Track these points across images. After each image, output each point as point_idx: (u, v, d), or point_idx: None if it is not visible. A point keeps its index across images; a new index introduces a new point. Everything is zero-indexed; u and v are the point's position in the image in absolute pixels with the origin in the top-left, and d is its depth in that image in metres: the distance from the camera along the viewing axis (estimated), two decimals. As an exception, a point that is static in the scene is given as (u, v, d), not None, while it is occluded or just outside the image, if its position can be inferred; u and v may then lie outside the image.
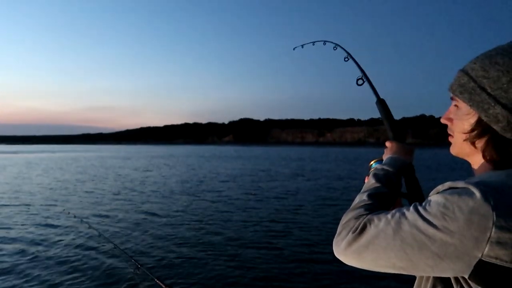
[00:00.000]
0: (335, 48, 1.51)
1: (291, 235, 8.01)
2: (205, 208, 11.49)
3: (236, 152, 76.49)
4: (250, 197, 13.90)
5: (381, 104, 1.20)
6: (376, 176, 0.97)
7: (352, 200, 0.88)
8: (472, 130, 0.78)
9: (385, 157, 1.08)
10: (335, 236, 0.83)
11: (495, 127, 0.74)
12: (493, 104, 0.73)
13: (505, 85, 0.72)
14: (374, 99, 1.23)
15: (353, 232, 0.78)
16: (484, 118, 0.75)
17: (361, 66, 1.33)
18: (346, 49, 1.45)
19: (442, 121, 0.88)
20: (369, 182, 0.97)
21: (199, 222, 9.40)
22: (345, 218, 0.85)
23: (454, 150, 0.87)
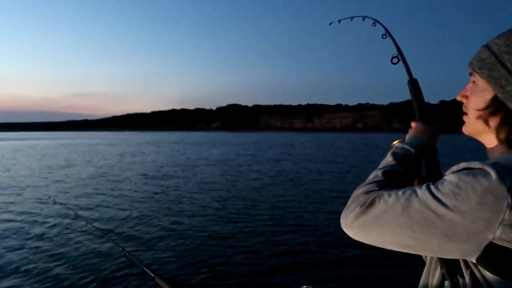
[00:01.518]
0: (374, 24, 1.47)
1: (276, 220, 7.95)
2: (193, 194, 11.38)
3: (224, 138, 76.28)
4: (234, 183, 13.83)
5: (413, 84, 1.17)
6: (394, 154, 0.94)
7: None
8: (486, 107, 0.77)
9: (408, 136, 1.05)
10: (344, 209, 0.82)
11: (510, 105, 0.72)
12: (509, 81, 0.71)
13: None
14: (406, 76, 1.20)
15: (362, 206, 0.77)
16: (500, 95, 0.74)
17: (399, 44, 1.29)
18: (385, 26, 1.41)
19: (458, 98, 0.86)
20: (387, 159, 0.94)
21: (186, 209, 9.30)
22: (356, 192, 0.84)
23: (467, 128, 0.85)
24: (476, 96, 0.79)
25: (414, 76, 1.20)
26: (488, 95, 0.76)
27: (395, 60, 1.27)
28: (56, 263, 5.59)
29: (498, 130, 0.76)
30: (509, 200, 0.60)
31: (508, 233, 0.60)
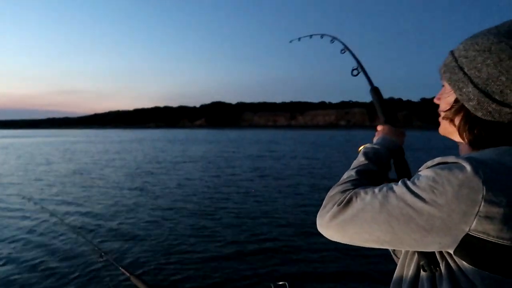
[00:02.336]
0: (332, 41, 1.52)
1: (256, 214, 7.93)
2: (171, 193, 11.26)
3: (207, 136, 75.93)
4: (213, 181, 13.76)
5: (375, 91, 1.24)
6: (365, 154, 0.97)
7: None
8: (450, 108, 0.81)
9: (375, 139, 1.09)
10: (320, 209, 0.82)
11: (467, 105, 0.76)
12: (466, 83, 0.74)
13: (479, 65, 0.73)
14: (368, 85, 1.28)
15: (339, 205, 0.77)
16: (459, 97, 0.77)
17: (357, 57, 1.35)
18: (343, 42, 1.46)
19: (435, 101, 0.89)
20: (358, 159, 0.96)
21: (163, 208, 9.18)
22: (331, 192, 0.84)
23: (440, 129, 0.88)
24: (443, 99, 0.83)
25: (375, 84, 1.26)
26: (451, 97, 0.80)
27: (355, 72, 1.32)
28: (29, 263, 5.42)
29: (460, 129, 0.80)
30: (484, 193, 0.61)
31: (483, 224, 0.62)
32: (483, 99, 0.72)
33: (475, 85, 0.73)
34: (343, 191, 0.81)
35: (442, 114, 0.84)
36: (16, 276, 5.01)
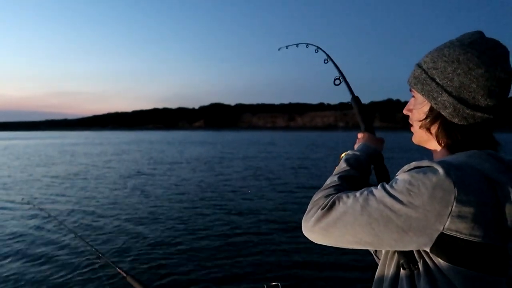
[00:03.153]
0: (316, 51, 1.57)
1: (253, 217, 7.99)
2: (167, 195, 11.30)
3: (206, 137, 75.93)
4: (210, 182, 13.79)
5: (355, 100, 1.29)
6: (347, 160, 1.00)
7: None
8: (426, 118, 0.84)
9: (356, 146, 1.13)
10: (305, 214, 0.85)
11: (443, 113, 0.80)
12: (441, 93, 0.79)
13: (450, 74, 0.77)
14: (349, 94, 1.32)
15: (322, 209, 0.80)
16: (434, 106, 0.81)
17: (339, 67, 1.40)
18: (326, 52, 1.51)
19: (404, 112, 0.94)
20: (340, 166, 1.00)
21: (159, 209, 9.21)
22: (315, 197, 0.88)
23: (415, 138, 0.92)
24: (417, 109, 0.87)
25: (356, 93, 1.31)
26: (425, 107, 0.84)
27: (337, 82, 1.35)
28: (27, 264, 5.43)
29: (438, 136, 0.84)
30: (456, 194, 0.66)
31: (456, 223, 0.66)
32: (458, 106, 0.77)
33: (449, 94, 0.77)
34: (327, 196, 0.84)
35: (417, 123, 0.88)
36: (13, 277, 5.03)
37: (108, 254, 5.74)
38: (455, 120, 0.78)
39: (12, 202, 9.99)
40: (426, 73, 0.82)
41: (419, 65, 0.85)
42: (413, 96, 0.89)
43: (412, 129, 0.92)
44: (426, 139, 0.88)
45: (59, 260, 5.59)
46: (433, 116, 0.82)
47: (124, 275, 2.10)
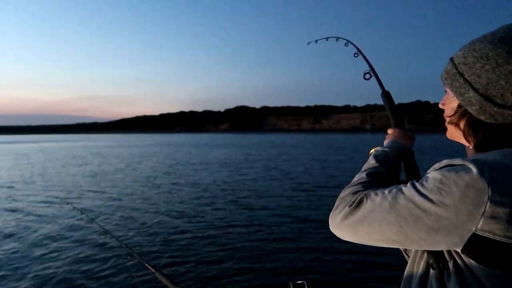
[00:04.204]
0: (346, 45, 1.56)
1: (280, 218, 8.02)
2: (196, 194, 11.47)
3: (231, 140, 76.35)
4: (237, 183, 13.90)
5: (386, 95, 1.26)
6: (376, 157, 1.00)
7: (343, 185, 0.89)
8: (454, 114, 0.83)
9: (386, 142, 1.12)
10: (332, 210, 0.85)
11: (470, 110, 0.78)
12: (467, 89, 0.77)
13: (478, 70, 0.75)
14: (379, 89, 1.30)
15: (350, 206, 0.79)
16: (461, 102, 0.80)
17: (369, 61, 1.38)
18: (356, 45, 1.50)
19: (440, 106, 0.91)
20: (369, 162, 0.99)
21: (189, 207, 9.39)
22: (343, 194, 0.87)
23: (448, 133, 0.90)
24: (447, 104, 0.86)
25: (387, 88, 1.28)
26: (454, 103, 0.83)
27: (367, 76, 1.34)
28: (61, 260, 5.71)
29: (465, 133, 0.82)
30: (490, 193, 0.63)
31: (489, 224, 0.63)
32: (484, 103, 0.75)
33: (476, 90, 0.75)
34: (354, 193, 0.83)
35: (447, 119, 0.87)
36: (45, 273, 5.27)
37: (138, 250, 5.92)
38: (482, 118, 0.77)
39: (47, 201, 10.45)
40: (456, 68, 0.81)
41: (451, 59, 0.84)
42: (446, 91, 0.88)
43: (446, 124, 0.90)
44: (458, 135, 0.86)
45: (90, 257, 5.84)
46: (461, 112, 0.81)
47: (153, 270, 2.14)
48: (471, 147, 0.83)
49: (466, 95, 0.78)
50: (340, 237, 0.82)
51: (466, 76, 0.77)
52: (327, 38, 1.71)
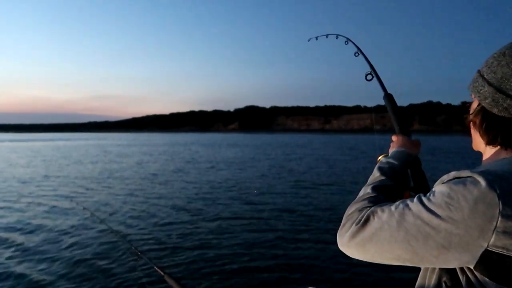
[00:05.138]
0: (346, 43, 1.54)
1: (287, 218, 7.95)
2: (206, 195, 11.47)
3: (240, 140, 76.35)
4: (245, 184, 13.88)
5: (389, 98, 1.23)
6: (381, 169, 0.97)
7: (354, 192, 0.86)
8: (475, 114, 0.83)
9: (391, 150, 1.09)
10: (340, 229, 0.83)
11: (483, 104, 0.79)
12: (483, 85, 0.79)
13: (495, 68, 0.77)
14: (381, 91, 1.26)
15: (357, 224, 0.78)
16: (477, 98, 0.81)
17: (371, 61, 1.35)
18: (357, 44, 1.47)
19: (469, 117, 0.89)
20: (374, 175, 0.97)
21: (198, 209, 9.38)
22: (349, 210, 0.86)
23: (473, 144, 0.89)
24: (472, 113, 0.85)
25: (389, 90, 1.25)
26: (475, 103, 0.84)
27: (369, 77, 1.31)
28: (69, 261, 5.73)
29: (479, 129, 0.82)
30: (501, 207, 0.61)
31: (502, 240, 0.61)
32: (497, 95, 0.75)
33: (490, 85, 0.77)
34: (361, 209, 0.82)
35: (469, 118, 0.86)
36: (54, 274, 5.29)
37: (147, 252, 5.91)
38: (495, 111, 0.76)
39: (58, 199, 10.55)
40: (478, 72, 0.83)
41: (478, 71, 0.85)
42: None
43: (472, 133, 0.89)
44: (478, 142, 0.86)
45: (99, 258, 5.85)
46: (478, 109, 0.82)
47: (162, 273, 2.14)
48: (487, 155, 0.83)
49: (482, 91, 0.79)
50: (350, 255, 0.81)
51: (485, 75, 0.79)
52: (327, 35, 1.71)
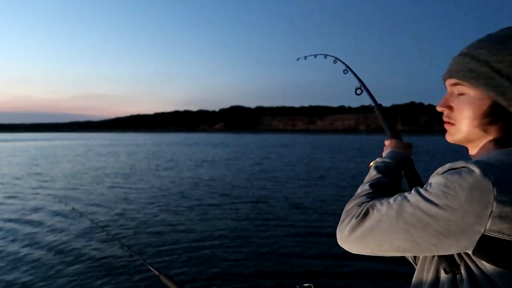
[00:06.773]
0: (335, 62, 1.58)
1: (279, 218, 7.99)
2: (198, 194, 11.42)
3: (226, 140, 76.27)
4: (238, 182, 13.87)
5: (379, 108, 1.30)
6: (377, 168, 1.01)
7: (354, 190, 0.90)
8: (486, 116, 0.78)
9: (384, 153, 1.13)
10: (339, 224, 0.84)
11: (491, 94, 0.76)
12: (493, 76, 0.75)
13: (502, 57, 0.74)
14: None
15: (356, 218, 0.79)
16: (503, 102, 0.75)
17: (359, 76, 1.40)
18: (345, 62, 1.52)
19: (439, 109, 0.87)
20: (371, 173, 1.00)
21: (192, 209, 9.33)
22: (348, 206, 0.87)
23: (456, 136, 0.86)
24: (471, 105, 0.80)
25: (379, 101, 1.32)
26: (485, 104, 0.78)
27: (358, 92, 1.36)
28: (61, 263, 5.63)
29: (498, 135, 0.79)
30: (495, 193, 0.63)
31: (497, 224, 0.64)
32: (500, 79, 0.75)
33: (499, 73, 0.75)
34: (359, 204, 0.83)
35: (473, 122, 0.81)
36: (46, 275, 5.20)
37: (141, 253, 5.86)
38: (504, 103, 0.75)
39: (45, 201, 10.33)
40: (489, 66, 0.77)
41: (472, 57, 0.80)
42: (461, 93, 0.82)
43: (450, 127, 0.86)
44: (474, 138, 0.83)
45: (92, 259, 5.75)
46: (498, 113, 0.77)
47: (157, 273, 2.12)
48: (478, 150, 0.83)
49: (509, 94, 0.75)
50: (349, 251, 0.82)
51: (505, 74, 0.76)
52: (315, 55, 1.75)
